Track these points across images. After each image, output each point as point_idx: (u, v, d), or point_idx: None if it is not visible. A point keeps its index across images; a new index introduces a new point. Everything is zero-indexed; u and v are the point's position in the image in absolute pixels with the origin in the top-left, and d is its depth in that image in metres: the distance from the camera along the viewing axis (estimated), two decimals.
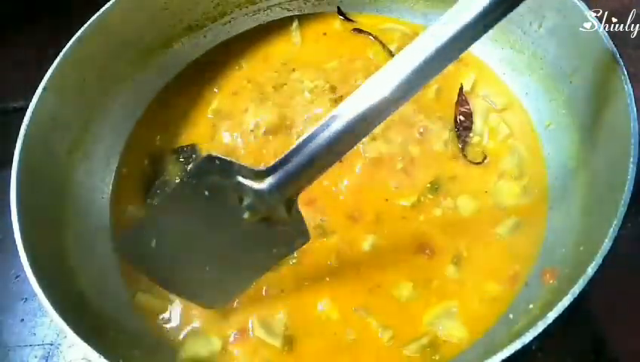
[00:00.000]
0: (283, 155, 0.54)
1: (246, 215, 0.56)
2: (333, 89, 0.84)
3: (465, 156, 0.76)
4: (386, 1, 0.93)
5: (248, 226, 0.57)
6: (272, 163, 0.54)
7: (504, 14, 0.50)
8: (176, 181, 0.77)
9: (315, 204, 0.73)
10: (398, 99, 0.51)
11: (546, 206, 0.72)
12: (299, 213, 0.57)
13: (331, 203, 0.73)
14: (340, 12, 0.94)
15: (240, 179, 0.55)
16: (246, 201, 0.56)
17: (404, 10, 0.92)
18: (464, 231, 0.70)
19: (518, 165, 0.75)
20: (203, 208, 0.58)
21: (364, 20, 0.93)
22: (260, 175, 0.55)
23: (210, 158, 0.56)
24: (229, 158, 0.56)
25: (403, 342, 0.64)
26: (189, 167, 0.78)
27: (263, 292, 0.68)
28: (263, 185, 0.54)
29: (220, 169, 0.56)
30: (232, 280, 0.63)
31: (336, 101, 0.82)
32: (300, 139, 0.53)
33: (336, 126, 0.51)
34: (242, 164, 0.56)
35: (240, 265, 0.62)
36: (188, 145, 0.81)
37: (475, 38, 0.51)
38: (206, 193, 0.57)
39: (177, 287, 0.65)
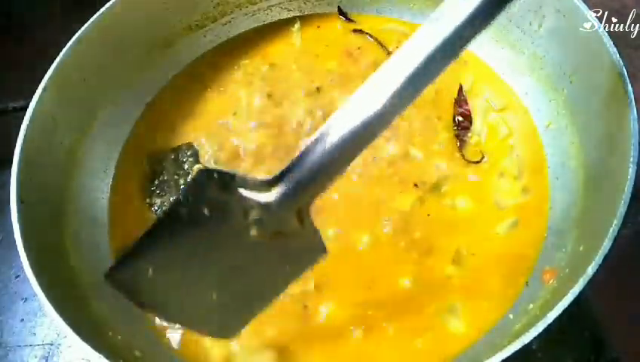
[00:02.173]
0: (291, 161, 0.48)
1: (253, 231, 0.50)
2: (333, 90, 0.84)
3: (463, 156, 0.76)
4: (386, 1, 0.93)
5: (257, 244, 0.50)
6: (279, 171, 0.48)
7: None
8: (175, 178, 0.77)
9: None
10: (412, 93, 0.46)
11: (546, 206, 0.72)
12: (312, 224, 0.51)
13: (329, 203, 0.73)
14: (341, 12, 0.94)
15: (243, 192, 0.49)
16: (252, 216, 0.49)
17: (404, 10, 0.92)
18: (463, 231, 0.70)
19: (518, 165, 0.75)
20: (204, 228, 0.52)
21: (364, 20, 0.93)
22: (265, 185, 0.48)
23: (207, 172, 0.50)
24: (227, 170, 0.50)
25: (410, 336, 0.64)
26: (186, 168, 0.78)
27: None
28: (270, 196, 0.48)
29: (218, 183, 0.49)
30: (243, 305, 0.56)
31: (337, 101, 0.82)
32: (308, 142, 0.47)
33: (350, 124, 0.45)
34: (244, 174, 0.51)
35: (251, 288, 0.55)
36: (186, 144, 0.81)
37: (478, 31, 0.45)
38: (206, 211, 0.50)
39: (181, 317, 0.58)
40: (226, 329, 0.58)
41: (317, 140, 0.46)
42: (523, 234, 0.70)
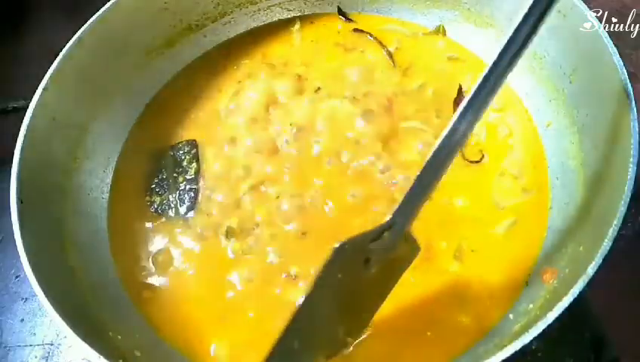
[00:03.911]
0: (400, 203, 0.56)
1: (374, 269, 0.58)
2: (333, 89, 0.84)
3: (463, 155, 0.76)
4: (386, 1, 0.93)
5: (373, 273, 0.58)
6: (392, 212, 0.56)
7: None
8: (174, 176, 0.78)
9: (308, 205, 0.73)
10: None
11: (546, 206, 0.72)
12: (412, 236, 0.59)
13: (331, 200, 0.73)
14: (340, 12, 0.94)
15: (370, 246, 0.56)
16: (373, 259, 0.57)
17: (404, 10, 0.92)
18: (463, 231, 0.70)
19: (518, 165, 0.75)
20: (336, 288, 0.58)
21: (364, 20, 0.93)
22: (382, 231, 0.56)
23: (341, 246, 0.55)
24: (355, 237, 0.55)
25: (416, 334, 0.64)
26: (184, 166, 0.78)
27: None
28: (388, 237, 0.56)
29: (352, 251, 0.56)
30: (360, 318, 0.63)
31: (336, 100, 0.82)
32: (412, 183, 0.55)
33: (439, 158, 0.54)
34: (367, 231, 0.56)
35: (366, 303, 0.62)
36: (185, 141, 0.81)
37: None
38: (339, 276, 0.56)
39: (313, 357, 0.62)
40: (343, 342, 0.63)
41: (416, 183, 0.55)
42: (523, 234, 0.70)
